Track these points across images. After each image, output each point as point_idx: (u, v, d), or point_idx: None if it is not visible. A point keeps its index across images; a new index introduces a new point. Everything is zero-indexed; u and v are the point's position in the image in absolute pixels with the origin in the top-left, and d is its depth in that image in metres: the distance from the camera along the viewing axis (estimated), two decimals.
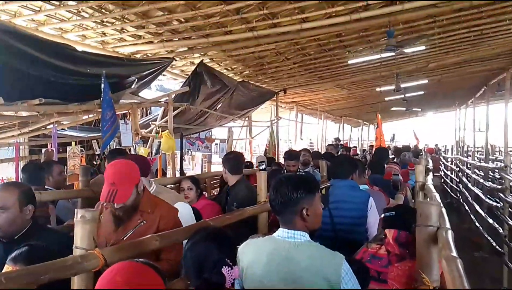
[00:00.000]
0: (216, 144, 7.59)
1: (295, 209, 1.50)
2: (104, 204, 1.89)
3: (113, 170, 1.84)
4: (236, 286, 1.51)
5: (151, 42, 4.97)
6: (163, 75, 5.83)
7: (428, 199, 2.90)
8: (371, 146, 10.92)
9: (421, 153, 9.16)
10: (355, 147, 11.91)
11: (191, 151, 7.52)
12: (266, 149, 8.99)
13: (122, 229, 1.90)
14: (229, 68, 6.82)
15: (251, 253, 1.54)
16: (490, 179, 8.33)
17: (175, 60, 5.53)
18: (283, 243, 1.49)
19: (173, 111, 5.09)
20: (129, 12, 4.10)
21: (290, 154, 4.36)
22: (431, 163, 6.47)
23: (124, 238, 1.87)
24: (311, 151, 5.60)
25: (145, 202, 1.96)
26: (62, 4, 3.81)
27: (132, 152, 4.39)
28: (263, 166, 4.95)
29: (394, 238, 1.87)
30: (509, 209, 5.07)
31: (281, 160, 5.69)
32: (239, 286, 1.54)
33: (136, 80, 4.77)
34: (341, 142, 12.80)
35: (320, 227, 1.58)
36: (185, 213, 2.33)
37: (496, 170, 7.66)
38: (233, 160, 3.10)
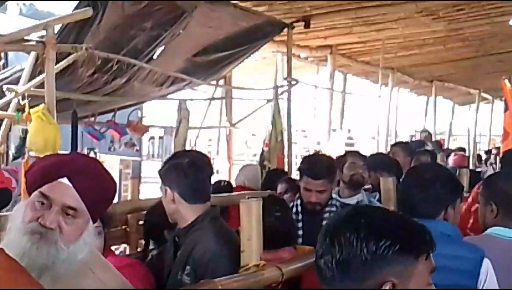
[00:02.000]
0: (153, 138, 7.64)
1: (368, 281, 1.57)
2: None
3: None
4: None
5: None
6: None
7: None
8: (497, 148, 11.14)
9: None
10: (463, 150, 12.04)
11: (96, 153, 7.57)
12: (263, 150, 9.05)
13: None
14: None
15: None
16: None
17: None
18: None
19: (57, 63, 5.13)
20: None
21: (311, 164, 4.39)
22: None
23: None
24: (366, 156, 5.67)
25: None
26: None
27: None
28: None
29: None
30: None
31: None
32: None
33: None
34: (431, 138, 12.92)
35: None
36: None
37: None
38: (189, 169, 3.07)
